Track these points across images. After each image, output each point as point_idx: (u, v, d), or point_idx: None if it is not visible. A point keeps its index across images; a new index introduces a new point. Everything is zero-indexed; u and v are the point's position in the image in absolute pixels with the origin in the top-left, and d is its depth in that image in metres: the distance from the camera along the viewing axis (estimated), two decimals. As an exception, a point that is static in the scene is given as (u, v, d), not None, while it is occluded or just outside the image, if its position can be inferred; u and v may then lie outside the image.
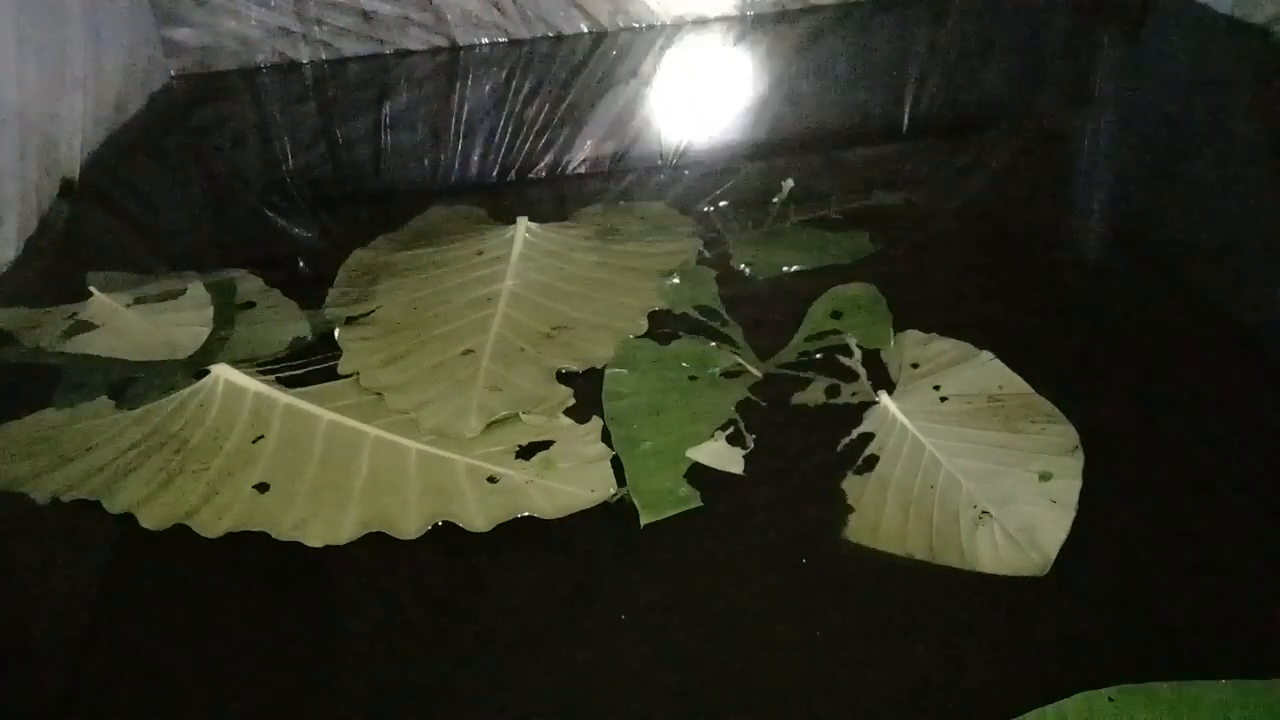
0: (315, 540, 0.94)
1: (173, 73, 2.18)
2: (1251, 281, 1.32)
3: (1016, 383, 1.08)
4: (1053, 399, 1.05)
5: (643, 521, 0.94)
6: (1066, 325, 1.23)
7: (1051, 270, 1.38)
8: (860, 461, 1.00)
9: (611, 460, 1.01)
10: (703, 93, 2.06)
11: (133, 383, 1.17)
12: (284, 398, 1.11)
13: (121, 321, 1.30)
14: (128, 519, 0.97)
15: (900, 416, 1.04)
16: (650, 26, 2.29)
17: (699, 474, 1.00)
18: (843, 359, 1.14)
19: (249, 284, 1.37)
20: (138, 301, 1.34)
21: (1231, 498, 0.95)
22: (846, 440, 1.03)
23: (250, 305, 1.33)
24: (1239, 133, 1.73)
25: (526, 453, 1.03)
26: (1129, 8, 2.29)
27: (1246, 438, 1.02)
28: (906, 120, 1.85)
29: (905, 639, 0.83)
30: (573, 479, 0.99)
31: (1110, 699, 0.74)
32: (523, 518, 0.95)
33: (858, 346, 1.16)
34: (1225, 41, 2.05)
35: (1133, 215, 1.53)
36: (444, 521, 0.95)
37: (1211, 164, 1.62)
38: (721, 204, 1.52)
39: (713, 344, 1.19)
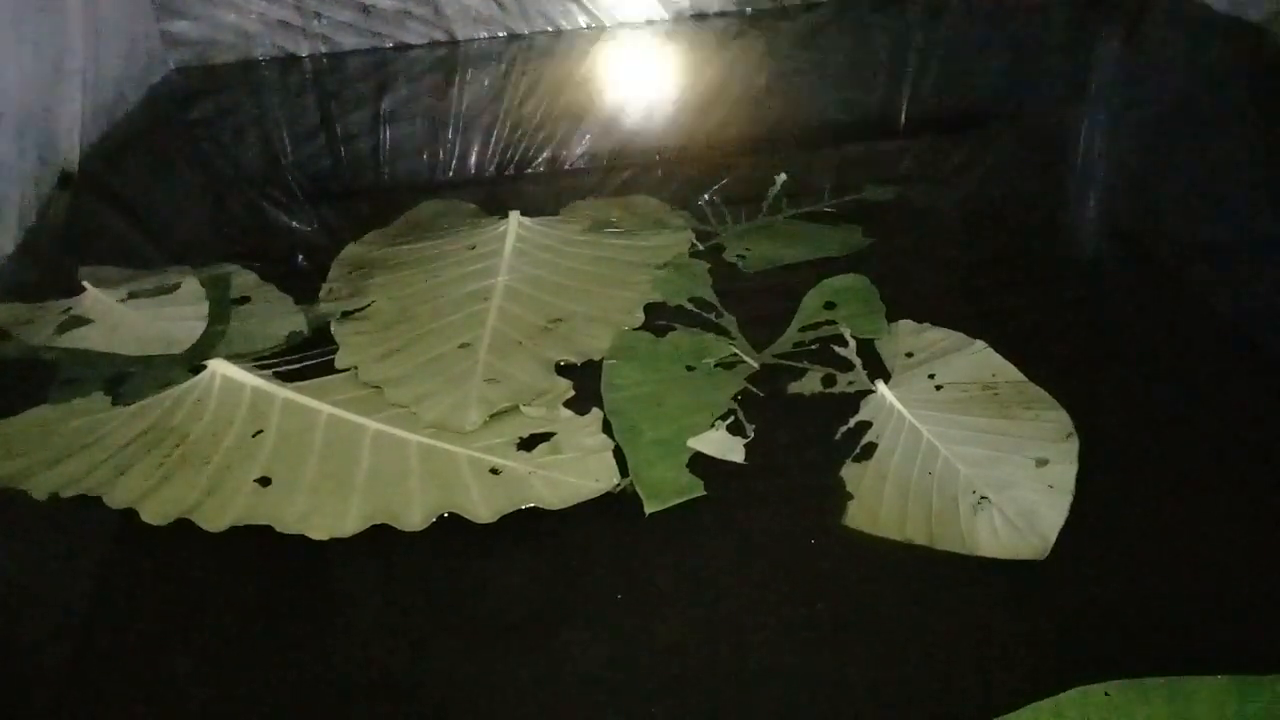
0: (320, 533, 0.94)
1: (172, 65, 2.18)
2: (1244, 275, 1.32)
3: (1009, 371, 1.09)
4: (1044, 387, 1.06)
5: (647, 510, 0.95)
6: (1057, 315, 1.24)
7: (1042, 262, 1.38)
8: (859, 449, 1.01)
9: (613, 451, 1.01)
10: (699, 87, 2.07)
11: (128, 378, 1.17)
12: (282, 392, 1.11)
13: (116, 316, 1.30)
14: (129, 515, 0.97)
15: (897, 405, 1.05)
16: (649, 21, 2.29)
17: (700, 463, 1.00)
18: (837, 349, 1.15)
19: (244, 278, 1.37)
20: (132, 296, 1.33)
21: (1226, 487, 0.96)
22: (844, 428, 1.03)
23: (245, 300, 1.32)
24: (1235, 129, 1.73)
25: (528, 444, 1.03)
26: (1125, 5, 2.29)
27: (1240, 426, 1.03)
28: (902, 116, 1.86)
29: (903, 629, 0.84)
30: (576, 470, 0.99)
31: (1106, 694, 0.74)
32: (527, 508, 0.95)
33: (852, 337, 1.16)
34: (1222, 38, 2.06)
35: (1125, 210, 1.54)
36: (449, 513, 0.95)
37: (1206, 160, 1.62)
38: (715, 198, 1.52)
39: (709, 335, 1.19)
